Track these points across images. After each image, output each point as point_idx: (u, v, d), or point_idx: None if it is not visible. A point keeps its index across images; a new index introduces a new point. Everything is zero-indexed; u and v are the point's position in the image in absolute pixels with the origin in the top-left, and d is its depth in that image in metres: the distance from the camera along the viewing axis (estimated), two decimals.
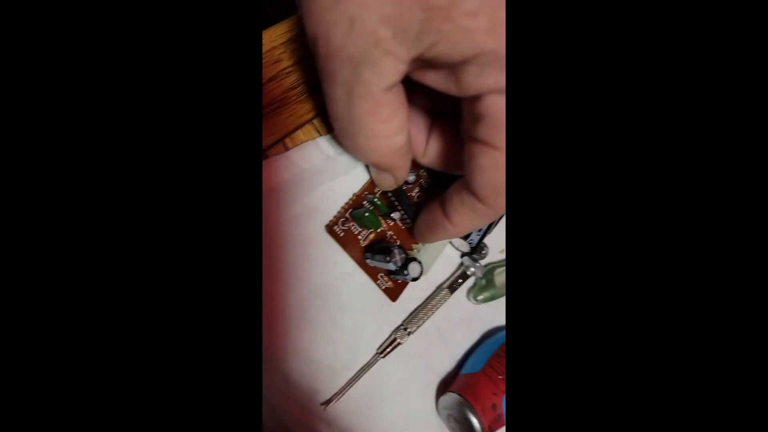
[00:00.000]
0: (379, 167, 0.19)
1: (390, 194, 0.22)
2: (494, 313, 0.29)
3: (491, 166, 0.16)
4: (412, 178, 0.23)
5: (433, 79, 0.16)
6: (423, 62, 0.15)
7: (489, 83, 0.14)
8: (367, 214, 0.21)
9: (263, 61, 0.21)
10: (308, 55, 0.21)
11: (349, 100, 0.16)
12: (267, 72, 0.21)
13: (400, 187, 0.23)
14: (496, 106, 0.15)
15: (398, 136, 0.17)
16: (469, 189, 0.18)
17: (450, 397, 0.25)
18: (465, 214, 0.19)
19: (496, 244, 0.29)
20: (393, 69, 0.15)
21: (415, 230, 0.23)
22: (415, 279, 0.22)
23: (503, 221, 0.29)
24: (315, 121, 0.22)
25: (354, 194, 0.22)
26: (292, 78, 0.22)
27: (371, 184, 0.23)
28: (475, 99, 0.15)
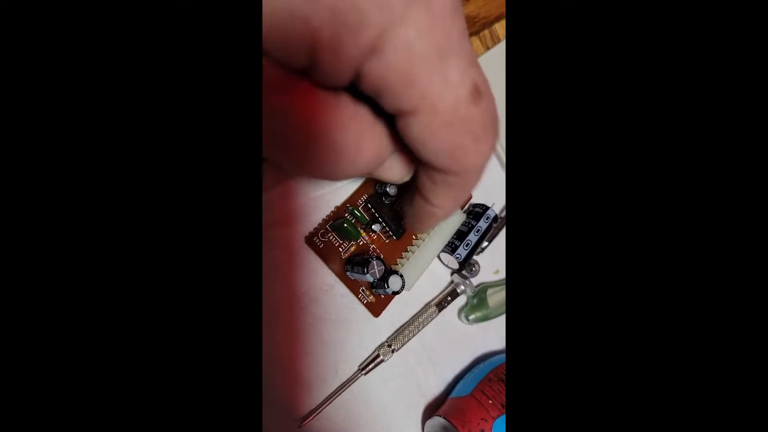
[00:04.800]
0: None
1: (371, 206, 0.23)
2: (486, 337, 0.28)
3: (424, 133, 0.14)
4: (393, 191, 0.23)
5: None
6: None
7: (356, 51, 0.12)
8: (345, 225, 0.21)
9: None
10: None
11: None
12: None
13: (381, 199, 0.23)
14: (379, 70, 0.12)
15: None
16: (428, 166, 0.16)
17: (436, 421, 0.24)
18: (441, 192, 0.17)
19: (490, 265, 0.28)
20: None
21: (408, 225, 0.21)
22: (396, 293, 0.22)
23: (497, 241, 0.28)
24: None
25: (336, 206, 0.23)
26: None
27: (353, 197, 0.23)
28: (360, 76, 0.13)
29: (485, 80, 0.14)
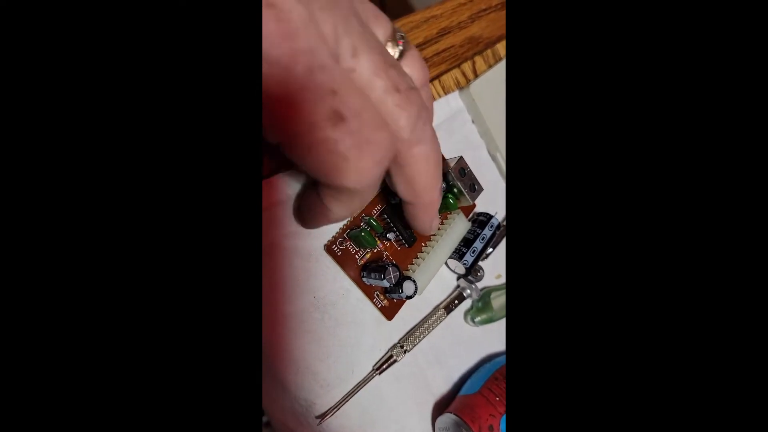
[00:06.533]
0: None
1: (386, 216, 0.24)
2: (492, 338, 0.29)
3: (293, 157, 0.16)
4: None
5: None
6: None
7: None
8: (363, 234, 0.23)
9: None
10: None
11: None
12: None
13: (395, 210, 0.24)
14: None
15: None
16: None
17: (447, 418, 0.25)
18: (336, 204, 0.19)
19: (492, 269, 0.30)
20: None
21: (296, 214, 0.23)
22: (409, 297, 0.23)
23: (500, 248, 0.30)
24: None
25: (352, 216, 0.24)
26: None
27: (368, 208, 0.24)
28: None
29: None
